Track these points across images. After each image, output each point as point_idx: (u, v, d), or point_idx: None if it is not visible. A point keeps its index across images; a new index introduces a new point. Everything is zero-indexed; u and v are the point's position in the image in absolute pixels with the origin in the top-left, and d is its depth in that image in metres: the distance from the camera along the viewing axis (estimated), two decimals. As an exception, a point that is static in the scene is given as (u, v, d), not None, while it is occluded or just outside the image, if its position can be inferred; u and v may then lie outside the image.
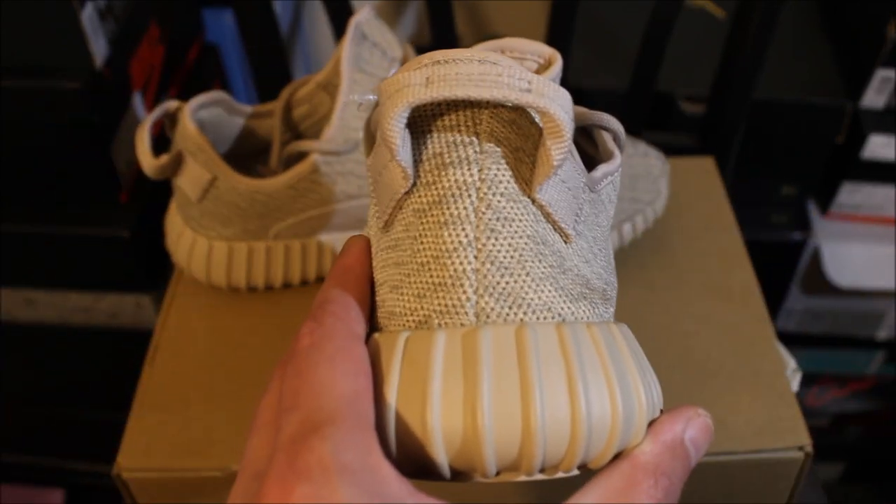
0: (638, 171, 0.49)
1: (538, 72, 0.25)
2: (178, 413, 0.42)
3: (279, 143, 0.48)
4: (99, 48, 0.54)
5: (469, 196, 0.24)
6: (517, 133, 0.24)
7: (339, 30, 0.69)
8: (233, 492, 0.24)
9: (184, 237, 0.47)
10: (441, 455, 0.23)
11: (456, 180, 0.24)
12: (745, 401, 0.42)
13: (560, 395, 0.22)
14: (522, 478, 0.23)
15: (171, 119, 0.45)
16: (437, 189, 0.24)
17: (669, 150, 0.54)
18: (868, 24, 0.71)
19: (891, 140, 0.70)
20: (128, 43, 0.59)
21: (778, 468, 0.41)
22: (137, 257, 0.60)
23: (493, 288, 0.24)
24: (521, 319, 0.24)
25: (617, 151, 0.29)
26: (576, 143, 0.31)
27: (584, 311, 0.25)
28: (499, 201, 0.24)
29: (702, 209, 0.53)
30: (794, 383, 0.44)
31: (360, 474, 0.21)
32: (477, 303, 0.24)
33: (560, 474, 0.24)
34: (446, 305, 0.24)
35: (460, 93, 0.22)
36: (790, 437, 0.40)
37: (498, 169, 0.24)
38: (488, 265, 0.24)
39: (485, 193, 0.24)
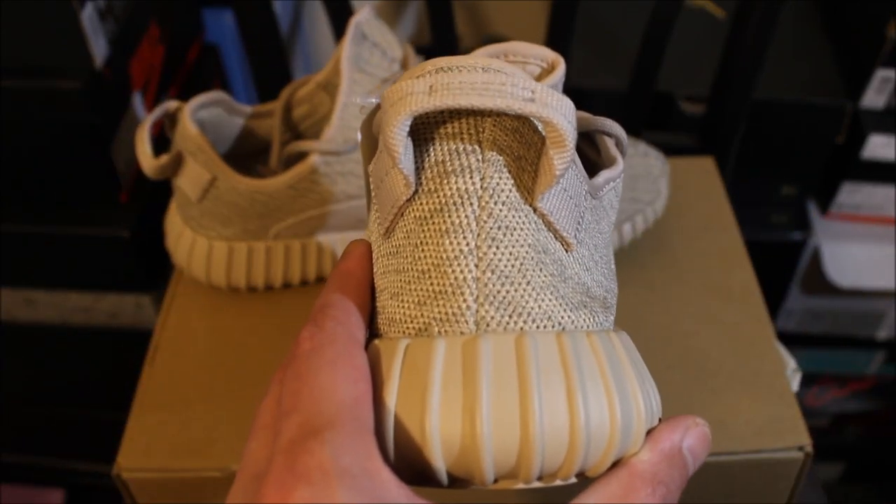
0: (638, 171, 0.49)
1: (541, 76, 0.25)
2: (178, 413, 0.42)
3: (279, 144, 0.48)
4: (99, 48, 0.54)
5: (471, 204, 0.24)
6: (520, 142, 0.24)
7: (339, 30, 0.69)
8: (231, 493, 0.24)
9: (184, 237, 0.47)
10: (439, 462, 0.23)
11: (458, 189, 0.24)
12: (745, 401, 0.42)
13: (559, 403, 0.22)
14: (520, 486, 0.24)
15: (171, 119, 0.45)
16: (438, 197, 0.24)
17: (669, 150, 0.54)
18: (868, 24, 0.71)
19: (891, 140, 0.70)
20: (128, 43, 0.59)
21: (778, 468, 0.41)
22: (137, 257, 0.60)
23: (494, 296, 0.24)
24: (521, 328, 0.24)
25: (619, 157, 0.29)
26: (578, 148, 0.31)
27: (584, 319, 0.25)
28: (500, 210, 0.24)
29: (702, 209, 0.53)
30: (794, 383, 0.44)
31: (358, 478, 0.21)
32: (477, 311, 0.24)
33: (558, 482, 0.24)
34: (446, 313, 0.24)
35: (464, 102, 0.22)
36: (790, 437, 0.40)
37: (500, 178, 0.24)
38: (489, 274, 0.24)
39: (486, 202, 0.24)
